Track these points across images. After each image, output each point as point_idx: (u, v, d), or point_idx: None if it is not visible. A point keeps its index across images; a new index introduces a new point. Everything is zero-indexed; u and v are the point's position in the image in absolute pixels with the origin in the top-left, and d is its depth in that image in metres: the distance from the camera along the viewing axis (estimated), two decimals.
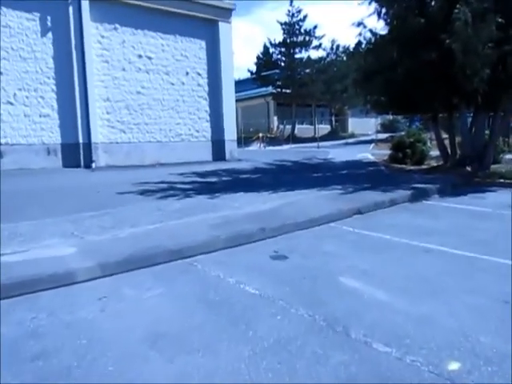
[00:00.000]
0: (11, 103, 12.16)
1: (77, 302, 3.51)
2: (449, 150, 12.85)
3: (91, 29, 13.17)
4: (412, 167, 13.60)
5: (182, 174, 11.56)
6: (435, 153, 14.75)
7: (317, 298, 3.52)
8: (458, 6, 9.18)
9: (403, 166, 13.98)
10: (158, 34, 14.65)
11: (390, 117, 37.91)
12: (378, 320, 3.09)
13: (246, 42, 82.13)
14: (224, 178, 11.03)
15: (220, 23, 15.88)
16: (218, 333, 2.93)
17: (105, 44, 13.61)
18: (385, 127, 37.78)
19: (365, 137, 35.79)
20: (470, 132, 11.64)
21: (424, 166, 13.80)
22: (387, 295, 3.53)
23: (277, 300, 3.48)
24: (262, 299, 3.52)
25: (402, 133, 32.55)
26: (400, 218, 6.47)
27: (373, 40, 11.44)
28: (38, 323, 3.12)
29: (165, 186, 9.56)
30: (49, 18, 12.61)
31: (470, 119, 13.43)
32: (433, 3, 11.01)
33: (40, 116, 12.66)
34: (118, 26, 13.79)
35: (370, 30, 11.29)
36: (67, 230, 5.54)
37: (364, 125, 40.15)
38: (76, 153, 13.10)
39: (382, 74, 11.00)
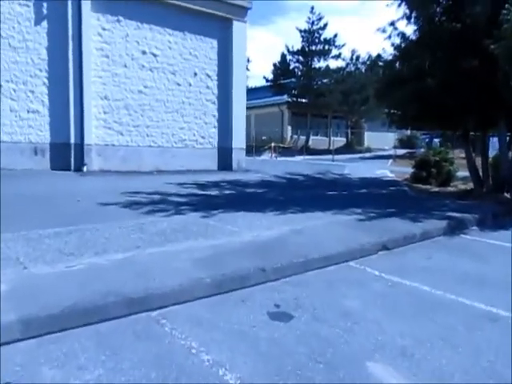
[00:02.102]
0: None
1: None
2: (480, 173, 11.44)
3: (91, 19, 12.02)
4: (437, 189, 12.27)
5: (180, 184, 10.34)
6: (461, 174, 13.42)
7: None
8: (506, 5, 7.87)
9: (427, 186, 12.65)
10: (165, 29, 13.43)
11: (408, 132, 36.60)
12: None
13: (264, 51, 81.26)
14: (226, 192, 9.77)
15: (234, 22, 14.63)
16: None
17: (106, 37, 12.44)
18: (402, 143, 36.36)
19: (381, 152, 34.42)
20: (507, 153, 10.25)
21: (451, 189, 12.46)
22: None
23: None
24: None
25: (422, 149, 31.33)
26: (437, 259, 5.13)
27: (403, 45, 10.14)
28: None
29: (157, 197, 8.36)
30: (44, 4, 11.46)
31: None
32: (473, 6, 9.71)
33: (28, 112, 11.46)
34: (121, 18, 12.62)
35: (402, 34, 9.98)
36: (16, 252, 4.34)
37: (381, 139, 38.82)
38: (66, 154, 11.87)
39: (411, 83, 9.72)
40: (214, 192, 9.56)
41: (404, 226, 6.28)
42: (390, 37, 10.06)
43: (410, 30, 11.17)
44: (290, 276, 4.27)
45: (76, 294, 3.24)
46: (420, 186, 12.72)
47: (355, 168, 18.65)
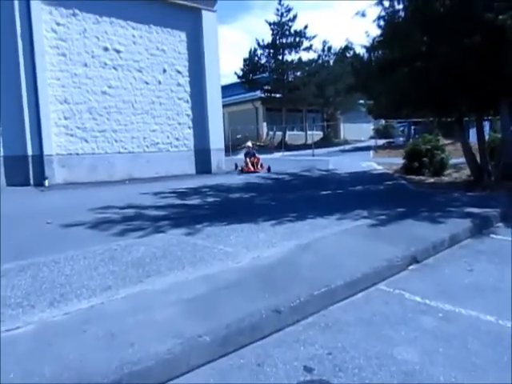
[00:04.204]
0: None
1: None
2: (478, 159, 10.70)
3: (43, 14, 10.68)
4: (433, 179, 11.52)
5: (156, 194, 9.22)
6: (452, 161, 12.78)
7: None
8: None
9: (421, 177, 11.91)
10: (128, 22, 12.18)
11: (383, 122, 36.26)
12: None
13: (233, 50, 79.91)
14: (209, 199, 8.69)
15: (203, 12, 13.49)
16: None
17: (61, 33, 11.10)
18: (379, 133, 35.95)
19: (359, 143, 33.93)
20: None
21: (446, 178, 11.74)
22: None
23: None
24: None
25: (401, 139, 30.93)
26: (481, 271, 4.20)
27: (393, 24, 9.22)
28: None
29: (131, 212, 7.24)
30: None
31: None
32: None
33: None
34: (77, 11, 11.30)
35: (393, 11, 9.05)
36: None
37: (357, 130, 38.46)
38: (24, 168, 10.54)
39: (403, 67, 8.89)
40: (196, 201, 8.46)
41: (426, 229, 5.35)
42: (379, 18, 9.13)
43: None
44: (313, 315, 3.26)
45: None
46: (413, 177, 11.97)
47: (339, 162, 17.81)
